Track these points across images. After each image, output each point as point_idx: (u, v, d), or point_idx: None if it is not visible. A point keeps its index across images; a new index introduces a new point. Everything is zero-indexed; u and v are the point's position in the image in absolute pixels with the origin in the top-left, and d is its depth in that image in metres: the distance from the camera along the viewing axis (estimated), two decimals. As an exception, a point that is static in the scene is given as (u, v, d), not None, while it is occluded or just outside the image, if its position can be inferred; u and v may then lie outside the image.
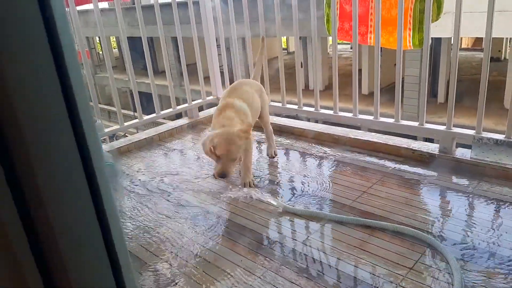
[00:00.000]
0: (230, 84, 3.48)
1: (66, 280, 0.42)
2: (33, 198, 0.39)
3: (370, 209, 1.97)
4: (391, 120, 2.64)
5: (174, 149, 3.02)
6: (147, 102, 4.78)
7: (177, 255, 1.76)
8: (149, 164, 2.78)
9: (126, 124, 3.10)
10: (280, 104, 3.17)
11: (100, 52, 20.56)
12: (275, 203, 2.08)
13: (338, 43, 2.80)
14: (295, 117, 3.29)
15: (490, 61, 2.12)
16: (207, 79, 3.42)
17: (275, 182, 2.36)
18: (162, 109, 3.26)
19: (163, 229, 1.96)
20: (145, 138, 3.14)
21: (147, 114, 3.34)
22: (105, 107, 17.17)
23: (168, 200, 2.24)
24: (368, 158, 2.53)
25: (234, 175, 2.40)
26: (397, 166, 2.40)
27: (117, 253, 0.46)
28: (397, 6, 2.34)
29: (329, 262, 1.64)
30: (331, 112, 2.87)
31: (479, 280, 1.46)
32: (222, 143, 2.12)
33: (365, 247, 1.70)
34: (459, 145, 2.41)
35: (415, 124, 2.51)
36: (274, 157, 2.66)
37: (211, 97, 3.61)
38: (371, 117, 2.69)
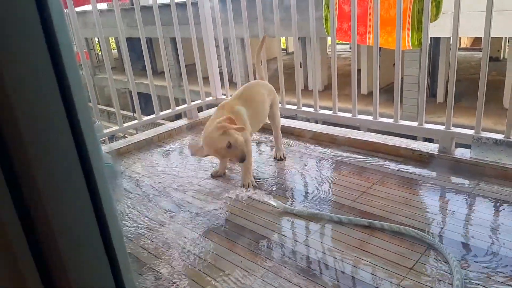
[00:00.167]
0: (230, 84, 3.50)
1: (66, 280, 0.42)
2: (32, 198, 0.39)
3: (369, 209, 1.97)
4: (390, 120, 2.64)
5: (173, 150, 3.02)
6: (146, 103, 4.78)
7: (177, 256, 1.76)
8: (148, 165, 2.78)
9: (125, 125, 3.10)
10: (279, 105, 3.16)
11: (99, 53, 20.58)
12: (274, 204, 2.08)
13: (337, 43, 2.80)
14: (294, 118, 3.29)
15: (489, 60, 2.12)
16: (206, 79, 3.42)
17: (275, 183, 2.36)
18: (161, 110, 3.26)
19: (163, 230, 1.96)
20: (145, 139, 3.14)
21: (147, 115, 3.34)
22: (105, 108, 17.18)
23: (167, 201, 2.24)
24: (367, 158, 2.53)
25: (234, 175, 2.40)
26: (397, 166, 2.40)
27: (116, 253, 0.46)
28: (395, 6, 2.35)
29: (329, 262, 1.64)
30: (330, 112, 2.87)
31: (479, 280, 1.46)
32: (207, 145, 2.17)
33: (364, 247, 1.70)
34: (459, 145, 2.41)
35: (415, 124, 2.51)
36: (281, 160, 2.65)
37: (210, 98, 3.61)
38: (370, 117, 2.69)
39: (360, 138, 2.71)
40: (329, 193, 2.18)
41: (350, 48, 3.08)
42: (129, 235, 1.95)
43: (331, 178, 2.35)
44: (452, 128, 2.34)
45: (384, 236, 1.75)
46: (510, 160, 2.14)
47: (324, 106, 3.03)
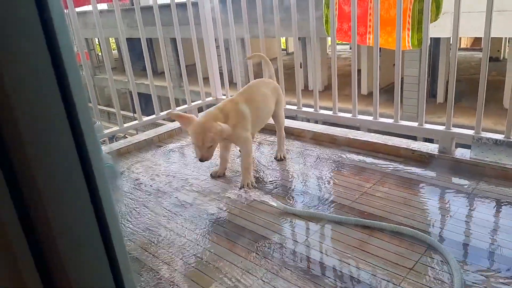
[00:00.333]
0: (230, 85, 3.50)
1: (66, 280, 0.42)
2: (32, 198, 0.39)
3: (369, 210, 1.97)
4: (390, 121, 2.64)
5: (174, 151, 3.02)
6: (146, 103, 4.78)
7: (177, 256, 1.76)
8: (148, 165, 2.78)
9: (125, 125, 3.10)
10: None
11: (100, 54, 20.58)
12: (274, 204, 2.08)
13: (337, 44, 2.80)
14: (295, 118, 3.29)
15: (489, 61, 2.12)
16: (206, 80, 3.42)
17: (275, 183, 2.36)
18: (161, 110, 3.26)
19: (163, 230, 1.96)
20: (145, 139, 3.14)
21: (147, 115, 3.34)
22: (105, 108, 17.17)
23: (167, 201, 2.24)
24: (367, 159, 2.53)
25: (234, 176, 2.40)
26: (397, 166, 2.40)
27: (116, 253, 0.46)
28: (395, 6, 2.35)
29: (329, 262, 1.64)
30: (330, 112, 2.87)
31: (479, 280, 1.46)
32: (194, 132, 2.17)
33: (364, 247, 1.70)
34: (459, 145, 2.41)
35: (415, 124, 2.51)
36: (282, 160, 2.64)
37: (210, 98, 3.61)
38: (370, 118, 2.69)
39: (360, 138, 2.71)
40: (329, 193, 2.18)
41: (350, 48, 3.09)
42: (129, 236, 1.95)
43: (331, 179, 2.35)
44: (452, 128, 2.34)
45: (384, 237, 1.75)
46: (510, 160, 2.14)
47: (324, 106, 3.03)
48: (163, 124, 3.55)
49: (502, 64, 11.42)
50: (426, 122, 2.47)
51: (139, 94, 3.18)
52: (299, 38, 2.91)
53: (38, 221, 0.39)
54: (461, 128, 2.37)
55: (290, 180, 2.40)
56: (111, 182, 2.51)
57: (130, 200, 2.29)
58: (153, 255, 1.78)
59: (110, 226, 0.45)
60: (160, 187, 2.42)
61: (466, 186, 2.11)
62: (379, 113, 2.65)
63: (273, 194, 2.22)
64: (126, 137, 3.40)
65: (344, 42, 3.50)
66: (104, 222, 0.44)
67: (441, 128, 2.40)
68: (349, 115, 2.80)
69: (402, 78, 4.56)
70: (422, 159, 2.42)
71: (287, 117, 2.82)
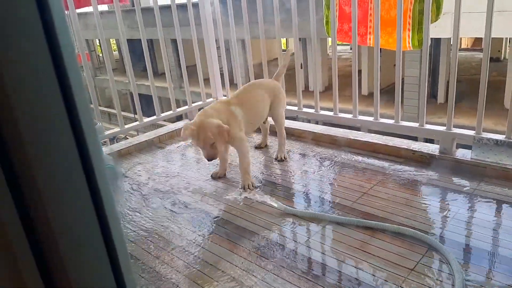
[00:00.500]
0: (230, 85, 3.50)
1: (66, 280, 0.42)
2: (33, 198, 0.39)
3: (370, 210, 1.97)
4: (391, 121, 2.64)
5: (174, 151, 3.02)
6: (147, 104, 4.79)
7: (178, 257, 1.76)
8: (149, 166, 2.78)
9: (126, 126, 3.10)
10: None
11: (100, 55, 20.60)
12: (275, 205, 2.07)
13: (338, 44, 2.80)
14: (295, 118, 3.29)
15: (490, 61, 2.12)
16: (207, 81, 3.42)
17: (276, 184, 2.36)
18: (162, 111, 3.27)
19: (164, 231, 1.96)
20: (146, 140, 3.14)
21: (147, 117, 3.34)
22: (106, 109, 17.20)
23: (168, 202, 2.24)
24: (368, 159, 2.53)
25: (234, 177, 2.40)
26: (398, 167, 2.40)
27: (117, 253, 0.46)
28: (396, 7, 2.35)
29: (330, 263, 1.64)
30: (331, 113, 2.87)
31: (479, 280, 1.46)
32: (192, 135, 2.18)
33: (365, 248, 1.70)
34: (459, 145, 2.40)
35: (415, 125, 2.51)
36: (282, 161, 2.64)
37: (211, 99, 3.61)
38: (371, 118, 2.68)
39: (360, 139, 2.70)
40: (330, 194, 2.18)
41: (351, 49, 3.08)
42: (130, 236, 1.95)
43: (332, 179, 2.34)
44: (453, 129, 2.34)
45: (385, 237, 1.75)
46: (511, 160, 2.14)
47: (325, 107, 3.03)
48: (163, 125, 3.55)
49: (502, 65, 11.42)
50: (426, 123, 2.46)
51: (139, 95, 3.18)
52: (299, 39, 2.91)
53: (38, 221, 0.39)
54: (462, 128, 2.37)
55: (290, 181, 2.40)
56: (112, 183, 2.51)
57: (131, 201, 2.29)
58: (153, 256, 1.78)
59: (111, 226, 0.45)
60: (161, 188, 2.42)
61: (467, 187, 2.11)
62: (380, 113, 2.65)
63: (274, 195, 2.22)
64: (127, 138, 3.40)
65: (344, 43, 3.50)
66: (105, 222, 0.44)
67: (442, 128, 2.40)
68: (349, 116, 2.80)
69: (402, 79, 4.56)
70: (423, 160, 2.41)
71: (287, 118, 2.82)
